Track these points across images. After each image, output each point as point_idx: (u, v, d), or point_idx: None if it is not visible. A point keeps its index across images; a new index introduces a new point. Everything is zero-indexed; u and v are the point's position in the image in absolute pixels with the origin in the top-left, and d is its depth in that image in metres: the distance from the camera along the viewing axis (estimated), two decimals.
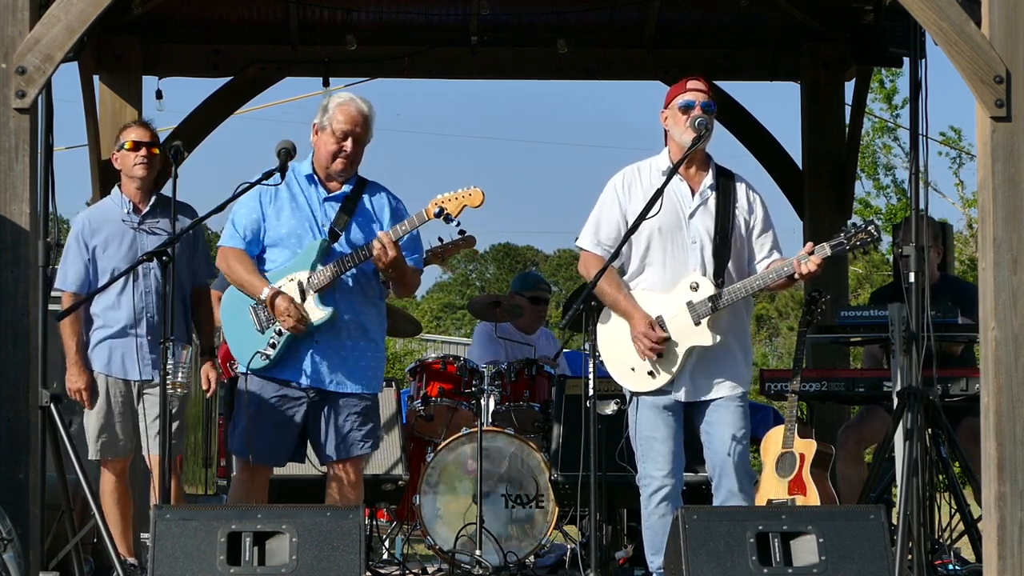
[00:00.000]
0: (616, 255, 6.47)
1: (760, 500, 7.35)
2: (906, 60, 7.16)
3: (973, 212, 21.31)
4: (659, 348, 6.42)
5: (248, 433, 6.60)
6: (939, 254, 8.21)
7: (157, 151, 7.54)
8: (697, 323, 6.44)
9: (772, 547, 5.75)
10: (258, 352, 6.63)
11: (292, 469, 7.12)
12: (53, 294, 6.85)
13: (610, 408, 6.92)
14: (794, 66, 10.40)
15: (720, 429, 6.46)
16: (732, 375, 6.50)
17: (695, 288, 6.47)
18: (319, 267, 6.61)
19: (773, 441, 7.60)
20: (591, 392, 6.40)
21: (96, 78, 9.86)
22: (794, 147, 10.42)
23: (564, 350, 9.88)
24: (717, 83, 9.83)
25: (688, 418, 6.55)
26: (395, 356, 24.21)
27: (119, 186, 7.62)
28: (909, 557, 6.30)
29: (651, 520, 6.45)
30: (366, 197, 6.77)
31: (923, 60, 6.75)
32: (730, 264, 6.53)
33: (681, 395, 6.48)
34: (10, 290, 6.09)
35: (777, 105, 12.91)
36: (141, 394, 7.44)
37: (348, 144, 6.66)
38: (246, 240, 6.71)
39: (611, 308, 6.54)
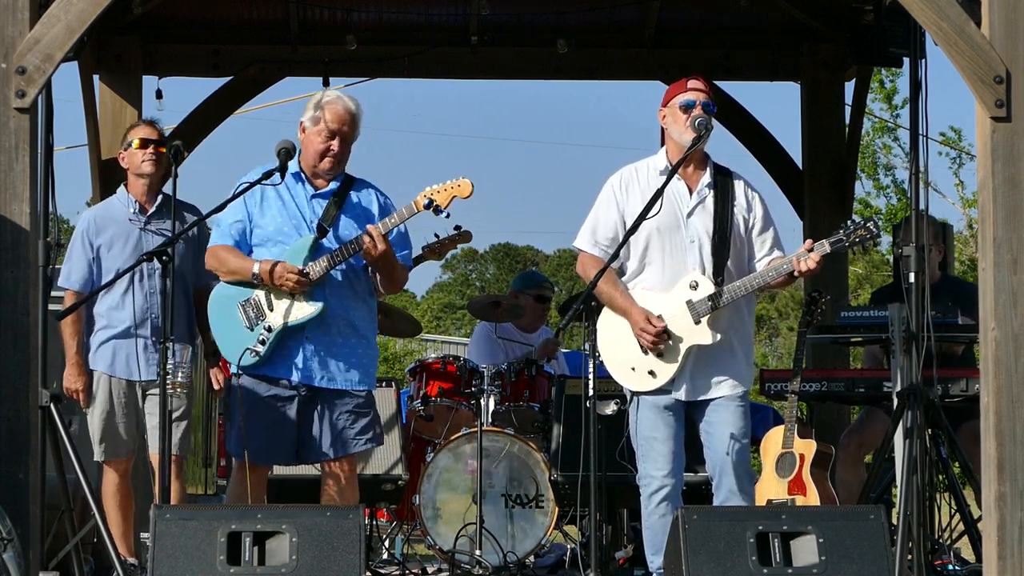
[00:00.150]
0: (615, 256, 6.47)
1: (760, 500, 7.33)
2: (906, 60, 7.16)
3: (973, 212, 21.29)
4: (662, 340, 6.41)
5: (242, 433, 6.61)
6: (940, 252, 8.21)
7: (164, 149, 7.54)
8: (697, 322, 6.43)
9: (772, 547, 5.75)
10: (248, 349, 6.62)
11: (291, 469, 7.13)
12: (56, 292, 6.85)
13: (610, 408, 6.91)
14: (794, 66, 10.39)
15: (720, 429, 6.46)
16: (733, 374, 6.50)
17: (694, 287, 6.47)
18: (311, 262, 6.61)
19: (773, 441, 7.60)
20: (591, 392, 6.39)
21: (96, 78, 9.85)
22: (794, 147, 10.43)
23: (564, 350, 9.87)
24: (717, 83, 9.83)
25: (689, 418, 6.55)
26: (395, 356, 24.21)
27: (125, 185, 7.62)
28: (909, 557, 6.30)
29: (651, 520, 6.44)
30: (354, 193, 6.78)
31: (923, 60, 6.75)
32: (730, 262, 6.52)
33: (681, 394, 6.48)
34: (10, 290, 6.09)
35: (777, 105, 12.92)
36: (145, 394, 7.44)
37: (336, 143, 6.68)
38: (234, 241, 6.73)
39: (609, 306, 6.54)
